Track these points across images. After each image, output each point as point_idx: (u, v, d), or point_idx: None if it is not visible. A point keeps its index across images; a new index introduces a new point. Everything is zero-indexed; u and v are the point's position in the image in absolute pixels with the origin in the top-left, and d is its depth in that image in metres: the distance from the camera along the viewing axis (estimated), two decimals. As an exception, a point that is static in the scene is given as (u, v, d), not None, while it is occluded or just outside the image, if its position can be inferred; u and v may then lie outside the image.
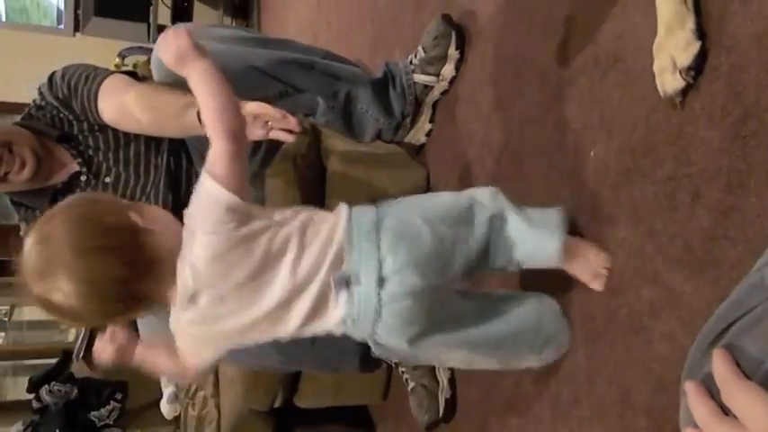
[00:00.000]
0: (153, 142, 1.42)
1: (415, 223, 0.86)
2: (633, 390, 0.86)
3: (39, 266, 0.79)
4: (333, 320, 0.84)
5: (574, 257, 0.92)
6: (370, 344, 0.87)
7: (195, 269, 0.81)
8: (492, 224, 0.90)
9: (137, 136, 1.41)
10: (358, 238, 0.83)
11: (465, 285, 0.94)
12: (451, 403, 1.33)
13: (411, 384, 1.35)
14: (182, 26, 0.94)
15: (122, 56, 4.19)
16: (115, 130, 1.40)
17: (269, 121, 1.13)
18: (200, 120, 1.12)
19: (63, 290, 0.78)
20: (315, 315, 0.84)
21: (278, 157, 1.48)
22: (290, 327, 0.85)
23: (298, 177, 1.48)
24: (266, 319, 0.83)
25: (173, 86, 1.24)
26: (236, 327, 0.84)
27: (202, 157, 1.42)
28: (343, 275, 0.82)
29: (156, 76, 1.31)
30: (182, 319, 0.84)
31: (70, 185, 1.39)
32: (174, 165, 1.44)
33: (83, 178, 1.38)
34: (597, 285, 0.92)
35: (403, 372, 1.37)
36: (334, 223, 0.85)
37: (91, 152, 1.40)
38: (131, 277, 0.81)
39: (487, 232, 0.89)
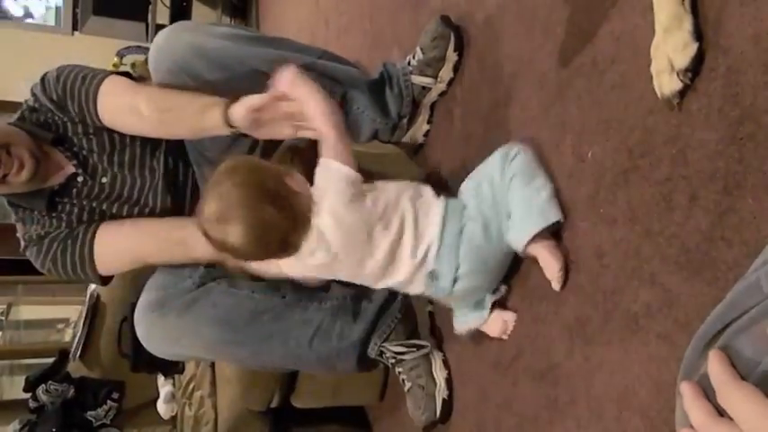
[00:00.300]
0: (149, 145, 1.41)
1: (489, 228, 1.09)
2: (630, 390, 0.86)
3: (216, 217, 1.05)
4: (414, 290, 1.16)
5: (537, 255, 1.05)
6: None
7: (320, 232, 1.07)
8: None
9: (132, 138, 1.40)
10: (446, 242, 1.09)
11: None
12: (448, 403, 1.33)
13: (408, 385, 1.35)
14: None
15: (121, 55, 4.18)
16: (111, 133, 1.39)
17: (299, 120, 1.16)
18: (226, 124, 1.20)
19: (237, 236, 1.03)
20: (403, 284, 1.15)
21: (277, 152, 1.48)
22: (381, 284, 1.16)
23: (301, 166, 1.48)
24: (369, 275, 1.13)
25: (181, 88, 1.26)
26: (346, 275, 1.15)
27: (203, 157, 1.43)
28: (433, 273, 1.10)
29: (154, 77, 1.31)
30: (307, 263, 1.10)
31: (67, 187, 1.38)
32: (173, 166, 1.44)
33: (80, 179, 1.38)
34: (555, 285, 1.02)
35: (400, 372, 1.37)
36: (431, 213, 1.12)
37: (86, 154, 1.39)
38: (290, 229, 1.06)
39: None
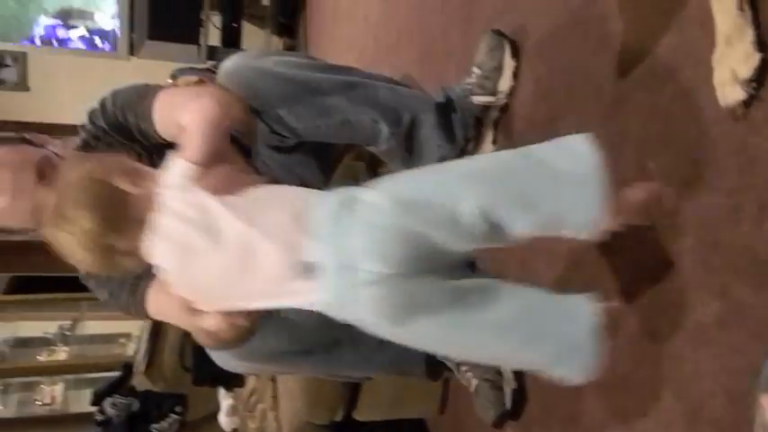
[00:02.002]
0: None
1: (389, 203, 0.82)
2: (701, 403, 0.85)
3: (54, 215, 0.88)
4: (300, 302, 0.87)
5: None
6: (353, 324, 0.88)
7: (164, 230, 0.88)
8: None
9: None
10: (321, 224, 0.83)
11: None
12: (519, 394, 1.30)
13: (474, 383, 1.33)
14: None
15: (174, 76, 4.31)
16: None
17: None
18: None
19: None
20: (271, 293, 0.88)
21: (343, 163, 1.49)
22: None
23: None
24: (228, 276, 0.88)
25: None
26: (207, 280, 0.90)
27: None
28: (308, 266, 0.83)
29: None
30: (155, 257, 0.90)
31: None
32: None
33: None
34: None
35: (465, 371, 1.35)
36: (299, 203, 0.87)
37: None
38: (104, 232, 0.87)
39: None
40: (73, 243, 0.88)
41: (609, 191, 0.80)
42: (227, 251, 0.86)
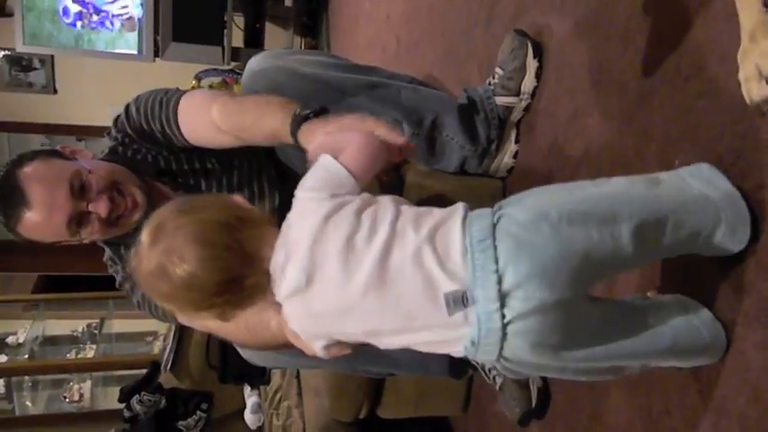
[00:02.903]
0: (255, 161, 1.38)
1: (542, 222, 0.73)
2: (727, 400, 0.85)
3: (148, 242, 0.80)
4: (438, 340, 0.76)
5: None
6: (498, 367, 0.77)
7: (286, 237, 0.79)
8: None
9: (237, 157, 1.37)
10: (471, 248, 0.72)
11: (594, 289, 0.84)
12: (544, 393, 1.29)
13: (499, 381, 1.33)
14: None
15: (198, 78, 4.36)
16: (214, 154, 1.35)
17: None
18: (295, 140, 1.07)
19: (174, 249, 0.78)
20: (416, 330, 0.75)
21: None
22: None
23: (379, 188, 1.51)
24: (360, 309, 0.76)
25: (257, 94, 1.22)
26: (329, 307, 0.77)
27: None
28: (456, 293, 0.72)
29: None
30: (280, 297, 0.80)
31: None
32: (286, 180, 1.40)
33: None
34: None
35: (490, 369, 1.35)
36: (442, 219, 0.76)
37: (192, 183, 1.36)
38: (234, 226, 0.80)
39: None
40: (190, 239, 0.78)
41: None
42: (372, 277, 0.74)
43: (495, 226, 0.74)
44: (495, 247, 0.72)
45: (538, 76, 1.39)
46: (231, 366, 2.53)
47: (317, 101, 1.25)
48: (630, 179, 0.80)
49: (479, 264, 0.71)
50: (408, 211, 0.79)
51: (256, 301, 0.81)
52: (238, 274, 0.79)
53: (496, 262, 0.71)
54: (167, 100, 1.28)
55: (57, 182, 1.19)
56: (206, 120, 1.23)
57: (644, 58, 1.06)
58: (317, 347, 0.83)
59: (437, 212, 0.78)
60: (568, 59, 1.30)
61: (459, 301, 0.71)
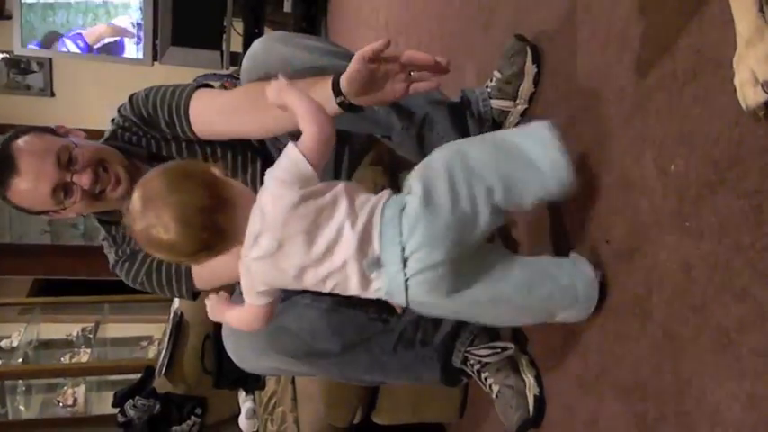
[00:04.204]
0: (240, 155, 1.46)
1: (438, 190, 0.99)
2: (723, 406, 0.85)
3: (140, 207, 0.98)
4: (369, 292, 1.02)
5: None
6: (412, 308, 1.03)
7: (263, 213, 0.99)
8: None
9: (224, 150, 1.45)
10: (384, 226, 0.99)
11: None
12: (541, 400, 1.29)
13: (495, 389, 1.32)
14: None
15: (198, 82, 4.37)
16: (203, 146, 1.44)
17: (413, 71, 1.13)
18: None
19: (160, 221, 0.96)
20: (342, 274, 1.01)
21: (361, 166, 1.51)
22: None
23: (379, 186, 1.51)
24: (313, 267, 1.00)
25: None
26: (290, 267, 1.00)
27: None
28: (373, 259, 0.99)
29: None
30: (248, 257, 1.01)
31: None
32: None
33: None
34: None
35: (486, 377, 1.35)
36: (375, 205, 1.01)
37: None
38: (214, 208, 0.98)
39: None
40: (174, 218, 0.96)
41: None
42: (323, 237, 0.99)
43: (402, 210, 0.99)
44: (401, 224, 0.98)
45: (536, 81, 1.39)
46: (226, 371, 2.52)
47: None
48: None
49: (388, 237, 0.98)
50: (357, 198, 1.02)
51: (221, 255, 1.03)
52: (211, 244, 1.00)
53: (401, 235, 0.97)
54: (181, 91, 1.38)
55: (45, 153, 1.30)
56: (224, 105, 1.33)
57: (640, 63, 1.06)
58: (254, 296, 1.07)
59: (373, 198, 1.02)
60: (565, 64, 1.30)
61: (375, 264, 0.98)
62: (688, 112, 0.94)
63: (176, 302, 2.91)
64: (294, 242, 0.98)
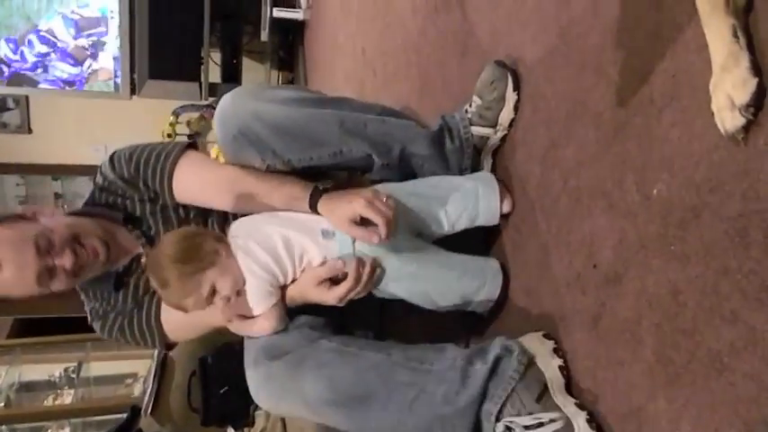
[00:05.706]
0: (209, 218, 1.46)
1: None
2: (718, 431, 0.84)
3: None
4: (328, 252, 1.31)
5: None
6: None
7: (246, 253, 1.31)
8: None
9: (188, 212, 1.45)
10: None
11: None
12: None
13: None
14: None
15: (177, 114, 4.36)
16: (177, 209, 1.44)
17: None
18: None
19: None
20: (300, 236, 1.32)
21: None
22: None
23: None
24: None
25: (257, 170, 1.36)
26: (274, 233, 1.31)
27: None
28: (327, 229, 1.31)
29: (221, 142, 1.38)
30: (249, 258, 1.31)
31: (130, 268, 1.44)
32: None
33: (143, 260, 1.42)
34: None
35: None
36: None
37: (152, 234, 1.44)
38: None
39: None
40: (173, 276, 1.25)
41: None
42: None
43: None
44: None
45: (516, 108, 1.39)
46: (213, 408, 2.47)
47: (288, 138, 1.35)
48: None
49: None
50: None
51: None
52: (203, 293, 1.28)
53: None
54: (167, 153, 1.38)
55: (22, 244, 1.31)
56: (208, 177, 1.38)
57: (617, 89, 1.07)
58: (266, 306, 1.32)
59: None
60: (543, 90, 1.31)
61: (329, 234, 1.31)
62: (667, 136, 0.95)
63: (160, 339, 2.86)
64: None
